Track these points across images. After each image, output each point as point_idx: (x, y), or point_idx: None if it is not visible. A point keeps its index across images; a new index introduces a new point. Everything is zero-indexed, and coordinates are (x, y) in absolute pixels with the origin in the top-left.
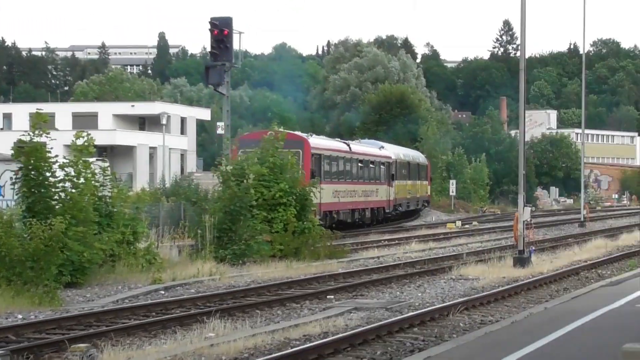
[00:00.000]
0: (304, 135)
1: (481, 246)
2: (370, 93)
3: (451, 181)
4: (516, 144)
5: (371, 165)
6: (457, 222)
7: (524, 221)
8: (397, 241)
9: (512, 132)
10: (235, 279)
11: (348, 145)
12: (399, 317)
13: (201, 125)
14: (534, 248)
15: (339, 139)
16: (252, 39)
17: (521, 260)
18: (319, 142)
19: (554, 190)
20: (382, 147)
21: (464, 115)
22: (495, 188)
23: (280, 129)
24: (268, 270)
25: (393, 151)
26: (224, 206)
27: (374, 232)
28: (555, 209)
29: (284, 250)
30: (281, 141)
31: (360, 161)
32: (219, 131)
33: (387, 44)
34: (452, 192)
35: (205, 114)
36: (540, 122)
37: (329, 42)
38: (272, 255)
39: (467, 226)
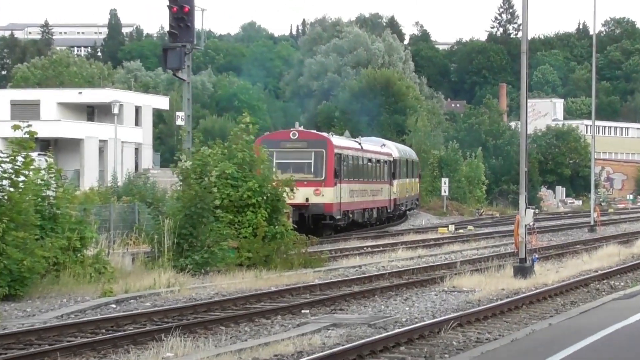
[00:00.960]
0: (326, 134)
1: (477, 254)
2: (351, 79)
3: (443, 179)
4: (517, 137)
5: (377, 164)
6: (450, 226)
7: (525, 225)
8: (381, 248)
9: (513, 124)
10: (197, 290)
11: (359, 143)
12: (383, 335)
13: (158, 115)
14: (537, 256)
15: (344, 137)
16: (217, 17)
17: (523, 270)
18: (339, 141)
19: (560, 190)
20: (384, 144)
21: (458, 105)
22: (494, 187)
23: (300, 128)
24: (234, 281)
25: (393, 148)
26: (184, 208)
27: (355, 237)
28: (561, 212)
29: (252, 258)
30: (252, 135)
31: (369, 160)
32: (179, 122)
33: (371, 23)
34: (445, 192)
35: (162, 102)
36: (545, 113)
37: (304, 21)
38: (239, 264)
39: (461, 231)
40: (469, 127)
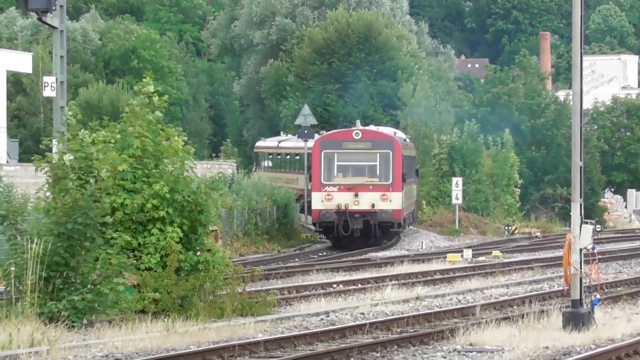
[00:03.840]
0: (391, 133)
1: (507, 293)
2: (311, 26)
3: (455, 180)
4: (568, 114)
5: (412, 161)
6: (465, 251)
7: (581, 250)
8: (359, 284)
9: (561, 94)
10: (76, 351)
11: (405, 139)
12: None
13: (16, 82)
14: (599, 297)
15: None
16: None
17: (577, 318)
18: (402, 139)
19: (635, 196)
20: (409, 136)
21: (477, 65)
22: (532, 192)
23: (362, 127)
24: (134, 337)
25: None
26: (56, 225)
27: (318, 267)
28: (635, 228)
29: (161, 301)
30: (160, 111)
31: (411, 158)
32: (48, 92)
33: None
34: (457, 198)
35: (22, 62)
36: (610, 77)
37: None
38: (140, 310)
39: (482, 258)
40: (494, 99)
